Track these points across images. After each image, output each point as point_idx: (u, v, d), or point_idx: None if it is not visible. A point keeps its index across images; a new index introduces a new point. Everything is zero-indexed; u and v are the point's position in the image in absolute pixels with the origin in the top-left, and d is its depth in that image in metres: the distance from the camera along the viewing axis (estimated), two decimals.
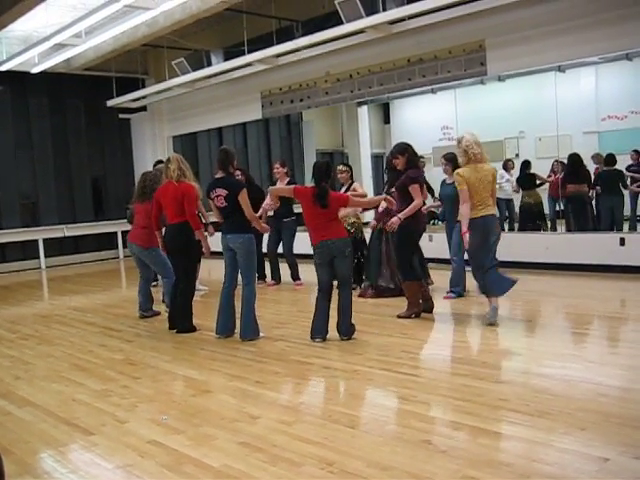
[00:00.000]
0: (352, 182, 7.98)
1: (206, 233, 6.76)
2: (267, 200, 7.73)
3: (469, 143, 5.82)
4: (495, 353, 5.19)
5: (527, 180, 10.83)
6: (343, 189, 7.74)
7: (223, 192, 5.74)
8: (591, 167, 10.45)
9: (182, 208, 6.15)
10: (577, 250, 8.43)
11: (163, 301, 7.30)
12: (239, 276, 5.92)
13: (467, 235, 5.71)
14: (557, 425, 3.40)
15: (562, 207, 10.24)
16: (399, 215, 6.10)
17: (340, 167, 8.05)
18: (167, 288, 7.00)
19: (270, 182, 8.89)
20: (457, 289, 7.13)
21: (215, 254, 6.38)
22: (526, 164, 10.95)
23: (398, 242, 6.35)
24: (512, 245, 9.08)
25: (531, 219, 10.57)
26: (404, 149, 6.32)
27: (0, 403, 4.41)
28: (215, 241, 6.25)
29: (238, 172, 7.74)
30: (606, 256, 8.10)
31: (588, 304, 6.89)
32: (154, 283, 7.40)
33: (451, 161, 7.00)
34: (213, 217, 6.32)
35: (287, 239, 8.74)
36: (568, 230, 9.78)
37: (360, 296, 7.41)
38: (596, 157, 10.43)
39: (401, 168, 6.33)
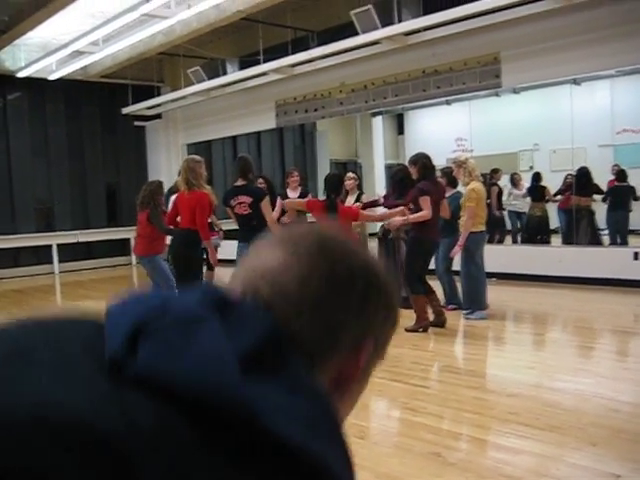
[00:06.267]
0: (361, 192, 7.92)
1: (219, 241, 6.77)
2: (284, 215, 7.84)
3: (473, 164, 6.49)
4: (506, 366, 5.16)
5: (537, 192, 10.87)
6: (350, 197, 7.67)
7: (247, 199, 5.75)
8: (607, 178, 10.42)
9: (194, 217, 6.15)
10: (590, 264, 8.37)
11: None
12: None
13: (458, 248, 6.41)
14: (568, 440, 3.38)
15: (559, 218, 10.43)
16: (403, 218, 6.04)
17: (349, 174, 8.01)
18: None
19: (284, 190, 8.82)
20: (456, 300, 7.07)
21: (223, 262, 6.35)
22: (537, 176, 10.99)
23: (407, 253, 6.35)
24: (524, 258, 9.09)
25: (537, 232, 10.61)
26: (416, 159, 6.21)
27: None
28: (227, 249, 6.23)
29: (261, 180, 7.70)
30: (619, 270, 8.03)
31: (601, 318, 6.84)
32: None
33: (447, 175, 7.02)
34: (231, 225, 6.28)
35: None
36: (564, 243, 9.99)
37: None
38: (618, 169, 10.35)
39: (415, 178, 6.32)
